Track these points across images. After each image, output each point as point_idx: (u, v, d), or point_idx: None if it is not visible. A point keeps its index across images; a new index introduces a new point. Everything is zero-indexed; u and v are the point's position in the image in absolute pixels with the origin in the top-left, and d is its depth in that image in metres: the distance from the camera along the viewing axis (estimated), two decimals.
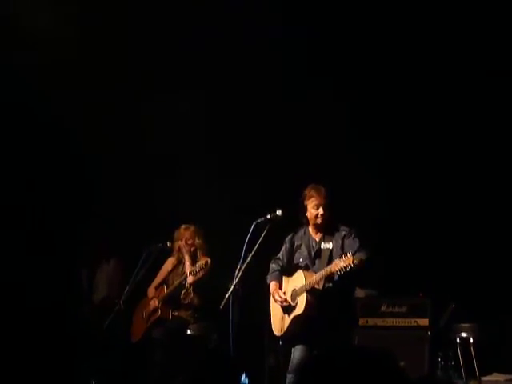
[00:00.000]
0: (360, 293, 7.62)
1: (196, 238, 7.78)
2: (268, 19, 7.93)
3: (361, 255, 6.15)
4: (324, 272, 6.17)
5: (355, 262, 5.93)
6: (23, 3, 8.10)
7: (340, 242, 6.36)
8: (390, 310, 7.51)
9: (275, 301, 6.52)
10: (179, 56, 8.35)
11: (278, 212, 6.46)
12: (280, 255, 6.68)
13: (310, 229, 6.55)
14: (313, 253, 6.47)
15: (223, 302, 6.38)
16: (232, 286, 6.41)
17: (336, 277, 6.16)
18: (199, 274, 7.56)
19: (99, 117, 8.39)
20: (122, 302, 7.48)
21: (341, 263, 5.97)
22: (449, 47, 7.85)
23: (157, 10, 8.21)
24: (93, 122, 8.39)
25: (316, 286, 6.26)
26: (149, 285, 7.95)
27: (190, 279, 7.62)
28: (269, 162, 8.33)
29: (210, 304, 7.27)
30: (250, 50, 8.08)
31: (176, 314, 7.73)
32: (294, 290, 6.42)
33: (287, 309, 6.45)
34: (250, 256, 6.39)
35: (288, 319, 6.43)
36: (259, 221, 6.48)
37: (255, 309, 6.99)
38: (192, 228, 7.80)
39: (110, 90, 8.24)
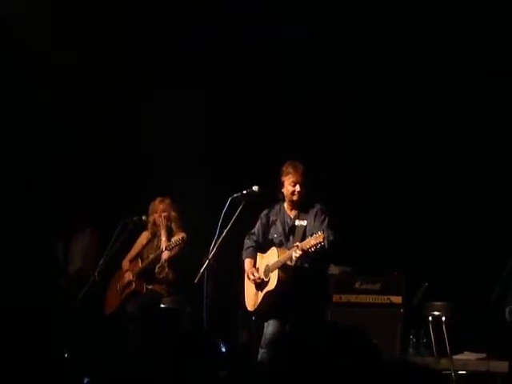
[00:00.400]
0: (334, 269, 7.60)
1: (171, 211, 7.70)
2: (268, 19, 7.96)
3: (329, 237, 6.20)
4: (296, 250, 6.20)
5: (323, 241, 6.00)
6: (23, 3, 8.10)
7: (313, 219, 6.42)
8: (364, 286, 7.51)
9: (249, 279, 6.56)
10: (179, 56, 8.37)
11: (255, 188, 6.53)
12: (255, 230, 6.71)
13: (286, 205, 6.59)
14: (287, 229, 6.53)
15: (198, 277, 6.39)
16: (207, 261, 6.41)
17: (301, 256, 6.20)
18: (174, 250, 7.52)
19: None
20: (96, 273, 7.42)
21: (311, 241, 6.05)
22: (447, 47, 7.87)
23: (157, 10, 8.22)
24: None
25: (288, 263, 6.31)
26: (123, 258, 7.92)
27: (165, 254, 7.57)
28: (257, 146, 8.31)
29: (185, 278, 7.30)
30: (250, 50, 8.10)
31: (150, 287, 7.72)
32: (267, 265, 6.46)
33: (260, 285, 6.50)
34: (226, 231, 6.40)
35: (261, 295, 6.48)
36: (235, 196, 6.52)
37: (229, 284, 7.11)
38: (167, 201, 7.71)
39: (110, 89, 8.27)
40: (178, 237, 7.51)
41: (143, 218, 7.70)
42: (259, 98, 8.22)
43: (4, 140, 8.53)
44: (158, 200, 7.73)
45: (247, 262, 6.62)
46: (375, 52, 8.06)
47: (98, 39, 8.18)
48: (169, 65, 8.40)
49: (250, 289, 6.61)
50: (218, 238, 6.41)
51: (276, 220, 6.58)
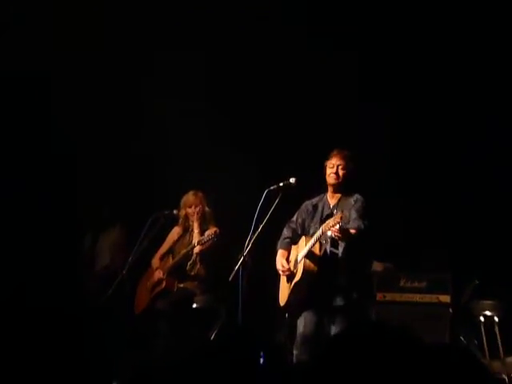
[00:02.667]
0: (378, 266, 7.56)
1: (204, 205, 7.75)
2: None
3: (357, 223, 6.17)
4: (317, 233, 6.17)
5: (341, 222, 5.93)
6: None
7: (350, 208, 6.35)
8: (410, 284, 7.46)
9: (280, 272, 6.52)
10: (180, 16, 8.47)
11: (292, 180, 6.45)
12: (293, 219, 6.67)
13: (329, 194, 6.56)
14: (323, 218, 6.46)
15: (232, 274, 6.33)
16: (241, 258, 6.34)
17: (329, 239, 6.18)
18: (207, 244, 7.55)
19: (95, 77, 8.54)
20: (125, 270, 7.42)
21: (330, 222, 5.99)
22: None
23: None
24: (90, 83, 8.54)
25: (315, 251, 6.25)
26: (154, 254, 7.94)
27: (196, 249, 7.60)
28: (281, 129, 8.41)
29: (218, 276, 7.33)
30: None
31: (182, 285, 7.73)
32: (296, 256, 6.43)
33: (290, 277, 6.45)
34: (261, 226, 6.33)
35: (290, 288, 6.42)
36: (271, 188, 6.45)
37: (265, 282, 6.99)
38: (201, 194, 7.76)
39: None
40: (211, 231, 7.55)
41: (174, 212, 7.71)
42: (298, 86, 8.31)
43: (30, 131, 8.68)
44: (191, 193, 7.75)
45: (279, 254, 6.57)
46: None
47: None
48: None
49: (283, 284, 6.56)
50: (254, 233, 6.35)
51: (317, 209, 6.55)
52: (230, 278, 6.36)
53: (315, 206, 6.58)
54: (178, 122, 8.35)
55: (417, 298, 7.43)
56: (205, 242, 7.53)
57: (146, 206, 7.82)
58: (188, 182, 7.95)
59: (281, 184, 6.46)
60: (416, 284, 7.45)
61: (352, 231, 6.08)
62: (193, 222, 7.74)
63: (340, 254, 6.27)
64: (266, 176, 6.83)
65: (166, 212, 7.63)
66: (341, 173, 6.41)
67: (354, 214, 6.24)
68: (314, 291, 6.27)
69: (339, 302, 6.19)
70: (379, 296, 7.50)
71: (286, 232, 6.65)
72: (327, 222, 6.04)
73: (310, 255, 6.26)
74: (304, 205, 6.65)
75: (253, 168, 8.14)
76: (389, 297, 7.51)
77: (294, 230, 6.62)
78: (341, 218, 5.92)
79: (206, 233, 7.59)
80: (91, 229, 8.64)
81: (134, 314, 7.89)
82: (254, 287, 6.78)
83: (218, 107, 8.45)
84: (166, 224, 7.69)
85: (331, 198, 6.53)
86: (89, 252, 8.59)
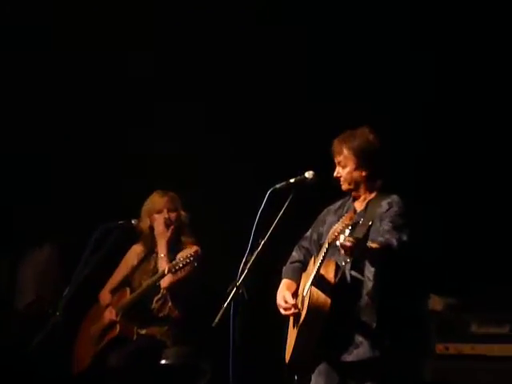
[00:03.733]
0: (436, 303, 7.07)
1: (179, 210, 7.04)
2: None
3: (387, 237, 5.43)
4: (324, 247, 5.49)
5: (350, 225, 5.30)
6: None
7: (381, 216, 5.66)
8: (485, 330, 7.05)
9: (279, 308, 5.81)
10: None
11: (308, 174, 5.67)
12: (308, 234, 5.98)
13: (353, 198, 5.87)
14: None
15: (219, 315, 5.37)
16: (233, 290, 5.43)
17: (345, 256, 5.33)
18: (182, 272, 6.78)
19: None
20: (59, 309, 6.60)
21: (338, 226, 5.32)
22: None
23: None
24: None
25: (327, 277, 5.50)
26: (102, 285, 7.24)
27: (166, 281, 6.84)
28: (289, 110, 8.19)
29: (199, 317, 6.81)
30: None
31: (144, 331, 6.97)
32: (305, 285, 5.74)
33: (297, 319, 5.69)
34: (263, 242, 5.47)
35: (296, 334, 5.64)
36: (278, 187, 5.68)
37: (269, 325, 6.31)
38: (172, 194, 7.04)
39: None
40: (189, 251, 6.76)
41: (133, 222, 6.99)
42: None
43: None
44: (157, 194, 7.08)
45: (282, 285, 5.86)
46: None
47: None
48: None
49: (290, 329, 5.83)
50: (252, 253, 5.51)
51: (338, 218, 5.74)
52: (217, 320, 5.39)
53: (338, 215, 5.83)
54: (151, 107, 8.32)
55: (495, 349, 6.94)
56: (179, 269, 6.73)
57: (93, 215, 7.32)
58: (157, 179, 7.48)
59: (292, 180, 5.72)
60: (494, 329, 7.08)
61: (373, 245, 5.31)
62: (161, 237, 7.01)
63: (367, 282, 5.41)
64: (271, 169, 6.49)
65: (121, 222, 6.91)
66: (343, 173, 5.79)
67: (386, 225, 5.43)
68: (327, 338, 5.46)
69: (365, 353, 5.36)
70: (439, 347, 6.86)
71: (295, 254, 5.95)
72: (334, 227, 5.38)
73: (319, 283, 5.47)
74: (322, 214, 5.93)
75: (251, 159, 7.96)
76: (453, 349, 7.05)
77: (307, 251, 5.86)
78: (350, 219, 5.31)
79: (181, 254, 6.80)
80: (8, 252, 8.23)
81: (73, 374, 7.21)
82: (251, 333, 5.71)
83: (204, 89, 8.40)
84: (119, 240, 6.94)
85: (357, 202, 5.79)
86: (5, 284, 8.21)
